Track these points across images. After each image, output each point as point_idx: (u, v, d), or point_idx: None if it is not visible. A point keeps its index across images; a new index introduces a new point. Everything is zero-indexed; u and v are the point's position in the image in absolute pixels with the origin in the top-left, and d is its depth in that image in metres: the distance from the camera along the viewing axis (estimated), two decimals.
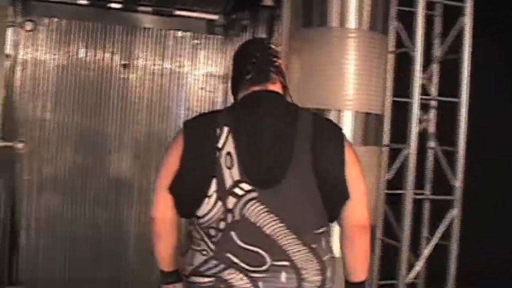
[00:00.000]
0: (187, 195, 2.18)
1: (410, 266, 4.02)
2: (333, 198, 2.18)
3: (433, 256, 4.23)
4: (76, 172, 5.07)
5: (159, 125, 5.20)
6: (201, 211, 2.16)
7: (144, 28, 5.21)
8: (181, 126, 2.27)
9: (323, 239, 2.23)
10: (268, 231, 2.13)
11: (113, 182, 5.14)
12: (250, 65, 2.30)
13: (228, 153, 2.13)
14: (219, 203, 2.13)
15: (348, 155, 2.23)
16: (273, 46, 2.41)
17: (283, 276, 2.14)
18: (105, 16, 5.07)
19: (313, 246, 2.18)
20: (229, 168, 2.12)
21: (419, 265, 4.14)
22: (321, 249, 2.21)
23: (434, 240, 4.13)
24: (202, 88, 5.35)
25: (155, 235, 2.29)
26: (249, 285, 2.15)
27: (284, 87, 2.35)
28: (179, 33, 5.28)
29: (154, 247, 2.32)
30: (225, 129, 2.15)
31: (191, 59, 5.33)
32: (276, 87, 2.31)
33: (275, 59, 2.35)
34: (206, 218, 2.16)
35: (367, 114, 3.77)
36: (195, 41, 5.31)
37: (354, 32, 3.75)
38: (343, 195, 2.20)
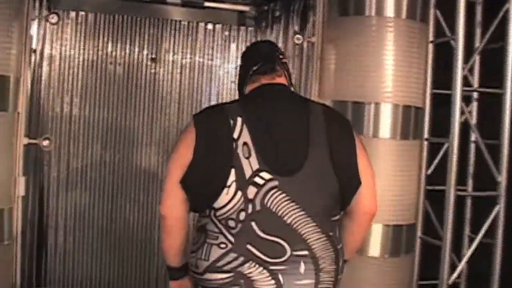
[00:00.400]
0: (204, 187, 2.19)
1: (452, 266, 3.93)
2: (347, 186, 2.26)
3: (476, 256, 4.13)
4: (105, 169, 5.08)
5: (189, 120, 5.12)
6: (219, 203, 2.17)
7: (174, 20, 5.19)
8: (193, 118, 2.33)
9: (336, 227, 2.31)
10: (289, 220, 2.16)
11: (143, 178, 5.13)
12: (257, 57, 2.44)
13: (245, 143, 2.17)
14: (239, 193, 2.15)
15: (358, 144, 2.33)
16: (279, 47, 2.58)
17: (302, 267, 2.18)
18: (133, 9, 5.07)
19: (330, 234, 2.25)
20: (247, 157, 2.15)
21: (462, 265, 4.04)
22: (335, 237, 2.29)
23: (477, 239, 4.02)
24: (233, 82, 5.32)
25: (165, 231, 2.32)
26: (269, 278, 2.17)
27: (290, 83, 2.47)
28: (210, 25, 5.28)
29: (163, 242, 2.35)
30: (239, 119, 2.19)
31: (221, 52, 5.33)
32: (282, 80, 2.43)
33: (281, 56, 2.48)
34: (225, 209, 2.18)
35: (407, 107, 3.69)
36: (226, 33, 5.31)
37: (392, 21, 3.66)
38: (356, 183, 2.29)
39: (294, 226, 2.17)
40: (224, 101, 4.95)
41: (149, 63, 5.15)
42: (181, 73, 5.23)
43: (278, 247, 2.16)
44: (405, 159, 3.69)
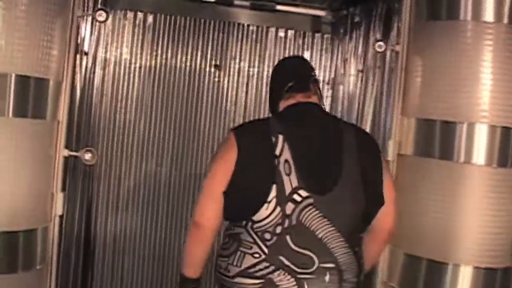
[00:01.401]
0: (245, 200, 2.47)
1: None
2: (374, 204, 2.61)
3: None
4: (159, 187, 5.08)
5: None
6: (258, 216, 2.45)
7: (241, 24, 5.17)
8: (233, 132, 2.59)
9: (362, 242, 2.64)
10: (320, 235, 2.47)
11: None
12: (291, 73, 2.71)
13: (286, 161, 2.46)
14: (278, 209, 2.45)
15: (384, 165, 2.69)
16: (310, 63, 2.87)
17: (327, 278, 2.48)
18: (195, 10, 5.10)
19: (356, 249, 2.57)
20: (288, 175, 2.45)
21: None
22: (360, 252, 2.61)
23: None
24: None
25: (194, 240, 2.57)
26: (295, 285, 2.47)
27: (320, 102, 2.75)
28: (281, 31, 5.24)
29: (189, 251, 2.60)
30: (280, 137, 2.48)
31: None
32: (315, 99, 2.71)
33: (313, 73, 2.77)
34: (263, 223, 2.46)
35: (506, 128, 3.40)
36: (299, 41, 5.25)
37: (492, 26, 3.41)
38: (380, 202, 2.63)
39: (324, 240, 2.48)
40: None
41: (212, 70, 5.14)
42: (247, 83, 5.18)
43: (308, 259, 2.47)
44: (503, 190, 3.39)
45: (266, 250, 2.48)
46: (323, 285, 2.49)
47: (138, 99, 4.98)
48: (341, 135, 2.59)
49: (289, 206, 2.45)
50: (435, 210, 3.34)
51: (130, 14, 4.93)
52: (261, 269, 2.48)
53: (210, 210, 2.51)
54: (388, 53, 3.95)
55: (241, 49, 5.16)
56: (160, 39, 5.02)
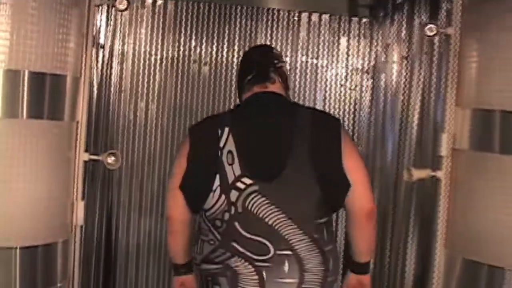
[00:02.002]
0: (195, 191, 2.83)
1: None
2: (333, 188, 2.77)
3: None
4: None
5: None
6: (207, 204, 2.78)
7: (270, 9, 5.13)
8: (189, 129, 3.04)
9: (325, 229, 2.81)
10: (270, 222, 2.71)
11: None
12: (250, 66, 3.00)
13: (229, 151, 2.76)
14: (223, 197, 2.75)
15: (345, 145, 2.82)
16: (275, 51, 3.18)
17: (286, 266, 2.72)
18: None
19: (315, 236, 2.75)
20: (230, 164, 2.75)
21: None
22: (323, 239, 2.79)
23: None
24: (342, 85, 5.22)
25: (169, 233, 2.99)
26: (253, 273, 2.73)
27: (285, 88, 3.01)
28: (314, 16, 5.19)
29: (168, 243, 3.02)
30: (226, 129, 2.79)
31: (329, 48, 5.23)
32: (276, 87, 2.95)
33: (276, 61, 3.01)
34: (212, 211, 2.78)
35: None
36: (335, 26, 5.22)
37: None
38: (343, 184, 2.77)
39: (276, 227, 2.71)
40: (330, 109, 5.13)
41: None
42: None
43: (262, 246, 2.71)
44: None
45: (219, 237, 2.79)
46: (282, 275, 2.73)
47: (160, 94, 4.93)
48: (293, 121, 2.81)
49: (233, 194, 2.73)
50: (495, 210, 3.31)
51: (148, 2, 4.87)
52: (218, 256, 2.78)
53: (173, 202, 2.90)
54: (437, 37, 3.87)
55: (271, 36, 5.12)
56: (183, 28, 4.96)
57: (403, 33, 4.57)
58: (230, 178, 2.74)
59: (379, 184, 4.68)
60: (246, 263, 2.73)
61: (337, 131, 2.86)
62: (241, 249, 2.73)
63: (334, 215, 3.02)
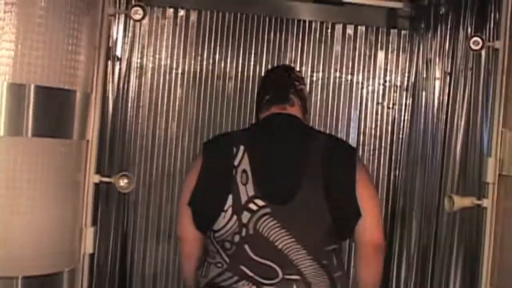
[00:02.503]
0: (205, 210, 2.93)
1: None
2: (344, 216, 2.90)
3: None
4: None
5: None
6: (217, 225, 2.86)
7: (301, 21, 5.15)
8: (202, 145, 3.16)
9: (334, 256, 2.94)
10: (280, 246, 2.82)
11: None
12: (270, 86, 3.16)
13: (244, 170, 2.86)
14: (234, 218, 2.82)
15: (360, 175, 2.95)
16: (297, 72, 3.31)
17: None
18: (247, 5, 5.07)
19: (324, 262, 2.88)
20: (244, 184, 2.84)
21: None
22: (332, 266, 2.91)
23: None
24: (379, 104, 5.24)
25: (181, 253, 3.16)
26: None
27: (304, 111, 3.14)
28: (350, 28, 5.23)
29: (181, 263, 3.19)
30: (241, 147, 2.89)
31: (365, 63, 5.26)
32: (294, 110, 3.08)
33: (297, 83, 3.15)
34: (221, 232, 2.86)
35: None
36: (371, 39, 5.25)
37: None
38: (354, 214, 2.90)
39: (285, 251, 2.82)
40: (366, 129, 5.21)
41: None
42: (310, 91, 5.09)
43: (271, 269, 2.82)
44: None
45: (227, 260, 2.88)
46: None
47: (181, 112, 4.97)
48: (308, 146, 2.94)
49: (245, 215, 2.82)
50: None
51: (170, 11, 4.93)
52: (225, 280, 2.87)
53: (184, 220, 3.01)
54: (483, 51, 3.82)
55: (301, 50, 5.14)
56: (206, 40, 4.99)
57: (447, 46, 4.53)
58: (243, 199, 2.83)
59: (417, 213, 4.63)
60: (254, 287, 2.83)
61: (353, 160, 2.99)
62: (249, 273, 2.83)
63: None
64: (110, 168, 4.12)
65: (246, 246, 2.83)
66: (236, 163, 2.87)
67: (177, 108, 4.97)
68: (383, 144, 5.04)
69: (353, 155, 3.05)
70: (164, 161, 4.94)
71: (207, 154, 3.01)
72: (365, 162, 4.86)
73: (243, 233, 2.82)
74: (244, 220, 2.82)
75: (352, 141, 5.10)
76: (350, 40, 5.17)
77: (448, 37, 4.52)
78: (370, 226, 2.93)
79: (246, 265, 2.83)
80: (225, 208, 2.83)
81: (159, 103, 4.95)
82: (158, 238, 4.95)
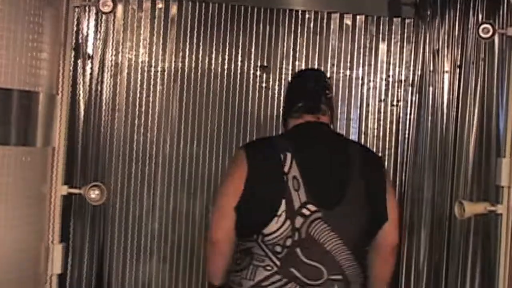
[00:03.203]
0: (256, 215, 3.22)
1: None
2: (377, 219, 3.31)
3: None
4: (192, 229, 5.09)
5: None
6: (268, 229, 3.18)
7: (293, 11, 5.20)
8: (243, 149, 3.39)
9: (366, 255, 3.37)
10: (328, 248, 3.19)
11: None
12: (302, 93, 3.44)
13: (294, 177, 3.20)
14: (288, 222, 3.16)
15: (388, 182, 3.42)
16: (327, 79, 3.64)
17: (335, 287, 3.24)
18: None
19: (362, 261, 3.31)
20: (296, 190, 3.19)
21: None
22: (365, 264, 3.35)
23: None
24: (382, 101, 5.28)
25: (216, 253, 3.34)
26: None
27: (332, 121, 3.50)
28: (347, 18, 5.26)
29: (213, 264, 3.40)
30: (288, 155, 3.23)
31: (365, 56, 5.29)
32: (326, 119, 3.44)
33: (327, 91, 3.48)
34: (273, 236, 3.18)
35: None
36: (372, 29, 5.28)
37: None
38: (382, 218, 3.33)
39: (333, 253, 3.20)
40: (367, 129, 5.25)
41: (258, 73, 5.18)
42: None
43: (317, 271, 3.18)
44: None
45: (278, 263, 3.18)
46: None
47: (162, 113, 5.01)
48: (347, 152, 3.36)
49: (298, 220, 3.16)
50: None
51: (147, 3, 4.96)
52: (273, 282, 3.19)
53: (223, 226, 3.25)
54: (496, 38, 3.86)
55: (294, 44, 5.16)
56: (188, 35, 5.03)
57: (456, 35, 4.56)
58: (296, 204, 3.18)
59: (427, 221, 4.63)
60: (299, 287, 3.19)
61: (383, 169, 3.51)
62: (298, 275, 3.17)
63: None
64: (82, 178, 4.14)
65: (298, 250, 3.17)
66: (286, 169, 3.22)
67: (157, 109, 4.98)
68: (387, 146, 5.05)
69: (382, 163, 3.64)
70: (144, 169, 4.95)
71: (252, 159, 3.28)
72: None
73: (296, 237, 3.17)
74: (297, 225, 3.16)
75: None
76: (348, 31, 5.18)
77: (457, 25, 4.54)
78: (393, 229, 3.36)
79: (296, 268, 3.18)
80: (279, 213, 3.17)
81: (137, 105, 4.97)
82: (139, 256, 4.94)
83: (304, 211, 3.18)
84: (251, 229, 3.25)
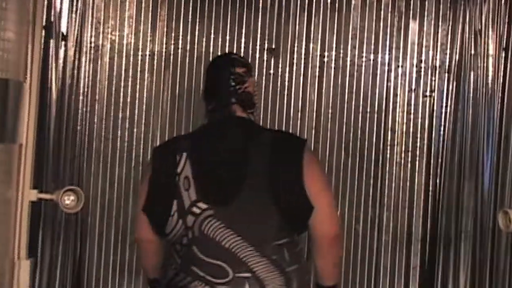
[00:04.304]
0: (156, 216, 3.65)
1: None
2: (293, 210, 3.55)
3: None
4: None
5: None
6: (167, 229, 3.59)
7: None
8: (152, 151, 4.00)
9: (285, 250, 3.58)
10: (227, 245, 3.49)
11: None
12: (212, 95, 3.75)
13: (186, 177, 3.57)
14: (180, 221, 3.54)
15: (308, 166, 3.58)
16: (236, 70, 3.76)
17: (247, 287, 3.52)
18: None
19: (274, 257, 3.53)
20: (187, 189, 3.55)
21: None
22: (283, 260, 3.56)
23: None
24: (413, 90, 5.28)
25: (140, 252, 3.94)
26: None
27: (248, 108, 3.75)
28: None
29: (141, 260, 4.05)
30: (184, 155, 3.61)
31: (393, 37, 5.32)
32: (237, 110, 3.71)
33: (238, 86, 3.73)
34: (171, 235, 3.59)
35: None
36: (401, 7, 5.30)
37: None
38: (304, 207, 3.54)
39: (233, 250, 3.49)
40: (398, 124, 5.23)
41: (265, 57, 5.23)
42: (319, 75, 5.25)
43: (221, 269, 3.49)
44: None
45: (179, 261, 3.59)
46: None
47: (151, 104, 5.06)
48: (252, 145, 3.63)
49: (190, 218, 3.52)
50: None
51: None
52: (180, 280, 3.57)
53: (140, 226, 3.72)
54: None
55: (308, 22, 5.19)
56: (182, 12, 5.06)
57: (502, 12, 4.58)
58: (186, 204, 3.55)
59: (469, 231, 4.64)
60: (207, 287, 3.52)
61: (299, 152, 3.64)
62: (201, 273, 3.51)
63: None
64: (55, 181, 4.19)
65: (194, 248, 3.53)
66: (178, 170, 3.60)
67: (145, 100, 5.01)
68: (418, 144, 5.02)
69: (300, 147, 3.69)
70: (129, 171, 4.97)
71: (154, 162, 3.75)
72: (394, 167, 4.97)
73: (190, 236, 3.54)
74: (189, 224, 3.52)
75: (377, 140, 5.18)
76: (372, 8, 5.19)
77: (503, 1, 4.57)
78: (322, 218, 3.58)
79: (197, 266, 3.52)
80: (171, 213, 3.56)
81: (121, 95, 4.98)
82: (122, 272, 4.97)
83: (195, 209, 3.52)
84: (157, 229, 3.67)
